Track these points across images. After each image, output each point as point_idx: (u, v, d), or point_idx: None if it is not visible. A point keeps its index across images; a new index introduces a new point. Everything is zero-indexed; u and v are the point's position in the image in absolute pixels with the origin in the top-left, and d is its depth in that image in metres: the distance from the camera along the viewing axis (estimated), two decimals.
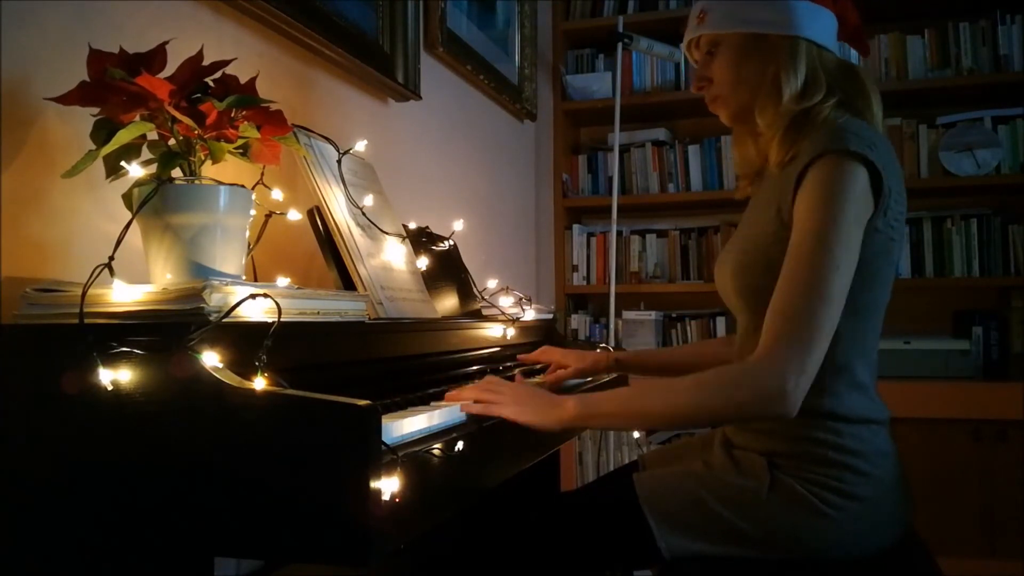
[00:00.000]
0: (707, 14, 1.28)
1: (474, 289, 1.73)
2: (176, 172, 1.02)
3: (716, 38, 1.28)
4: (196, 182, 1.02)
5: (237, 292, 0.89)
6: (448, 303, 1.62)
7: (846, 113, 1.21)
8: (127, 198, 1.02)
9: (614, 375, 1.76)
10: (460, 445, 0.92)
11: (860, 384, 1.19)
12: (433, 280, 1.56)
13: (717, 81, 1.29)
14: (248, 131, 1.05)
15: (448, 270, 1.67)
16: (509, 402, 1.12)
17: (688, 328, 3.23)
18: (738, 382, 1.07)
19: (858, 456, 1.15)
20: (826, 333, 1.05)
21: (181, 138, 1.01)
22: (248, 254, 1.15)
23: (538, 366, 1.61)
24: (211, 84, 1.07)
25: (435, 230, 1.69)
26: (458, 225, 1.72)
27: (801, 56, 1.22)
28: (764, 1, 1.24)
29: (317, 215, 1.31)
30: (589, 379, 1.65)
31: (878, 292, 1.19)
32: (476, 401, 1.11)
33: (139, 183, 0.99)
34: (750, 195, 1.36)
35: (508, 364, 1.56)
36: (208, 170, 1.05)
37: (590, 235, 3.36)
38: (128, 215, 0.99)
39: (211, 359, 0.81)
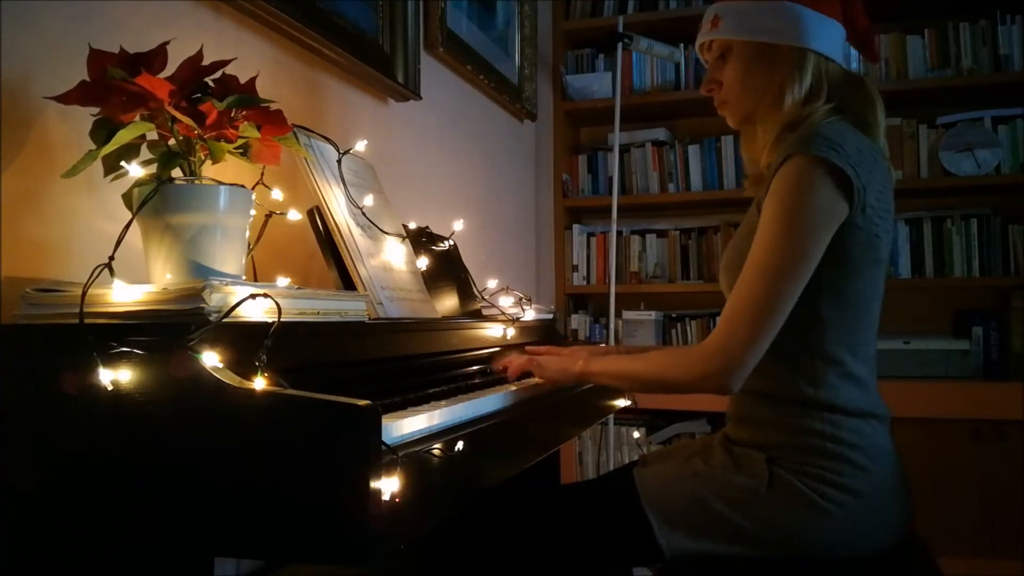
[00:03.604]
0: (721, 19, 1.29)
1: (474, 289, 1.73)
2: (176, 172, 1.02)
3: (728, 44, 1.30)
4: (196, 182, 1.02)
5: (237, 292, 0.89)
6: (448, 303, 1.62)
7: (836, 116, 1.22)
8: (127, 198, 1.02)
9: None
10: (460, 445, 0.92)
11: (855, 377, 1.19)
12: (433, 280, 1.56)
13: (726, 86, 1.31)
14: (248, 131, 1.05)
15: (448, 270, 1.67)
16: (538, 364, 1.35)
17: (688, 328, 3.23)
18: (686, 362, 1.18)
19: (855, 449, 1.16)
20: (766, 331, 1.12)
21: (181, 138, 1.01)
22: (248, 254, 1.15)
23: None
24: (211, 84, 1.07)
25: (435, 230, 1.69)
26: (458, 225, 1.72)
27: (808, 67, 1.24)
28: (776, 11, 1.25)
29: (317, 215, 1.31)
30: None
31: (865, 287, 1.19)
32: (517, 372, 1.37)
33: (139, 183, 0.99)
34: (754, 195, 1.37)
35: None
36: (208, 170, 1.05)
37: (590, 235, 3.36)
38: (128, 215, 0.99)
39: (211, 359, 0.81)
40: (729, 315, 1.14)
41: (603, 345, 1.75)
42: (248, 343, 0.84)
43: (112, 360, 0.82)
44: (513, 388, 1.28)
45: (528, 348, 1.51)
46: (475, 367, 1.44)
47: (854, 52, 2.92)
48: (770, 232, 1.13)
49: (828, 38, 1.26)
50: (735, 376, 1.13)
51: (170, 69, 1.02)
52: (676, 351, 1.33)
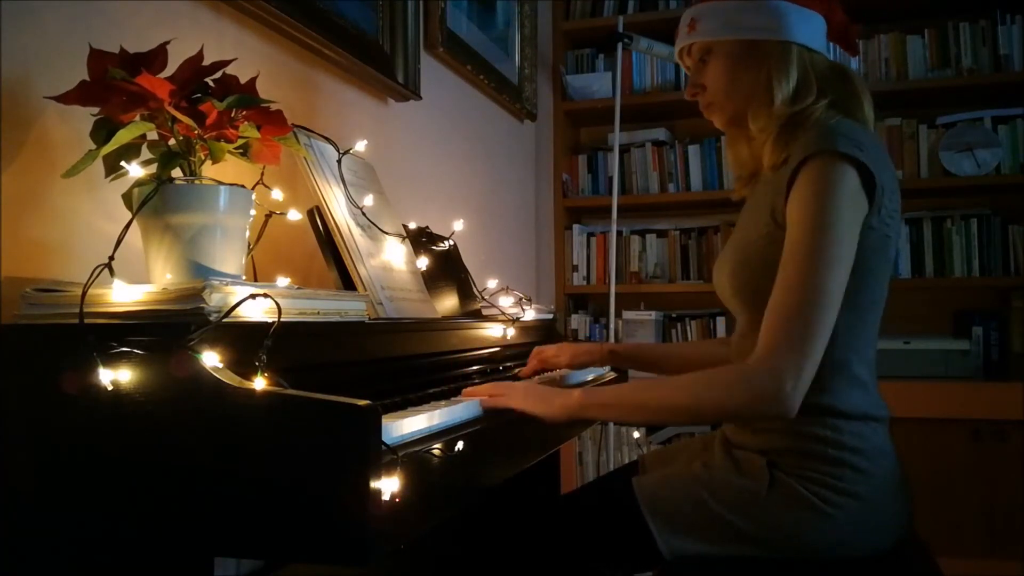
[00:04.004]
0: (698, 22, 1.28)
1: (474, 289, 1.73)
2: (176, 172, 1.02)
3: (708, 45, 1.28)
4: (196, 182, 1.02)
5: (237, 292, 0.89)
6: (448, 303, 1.62)
7: (837, 114, 1.21)
8: (127, 198, 1.02)
9: (616, 375, 1.78)
10: (460, 445, 0.92)
11: (859, 380, 1.19)
12: (433, 280, 1.56)
13: (711, 88, 1.29)
14: (248, 131, 1.05)
15: (448, 270, 1.67)
16: (518, 396, 1.18)
17: (688, 328, 3.23)
18: (736, 384, 1.09)
19: (857, 453, 1.15)
20: (823, 335, 1.07)
21: (181, 138, 1.01)
22: (248, 254, 1.15)
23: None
24: (211, 84, 1.07)
25: (435, 230, 1.69)
26: (458, 225, 1.72)
27: (793, 61, 1.23)
28: (755, 8, 1.24)
29: (317, 215, 1.31)
30: (591, 377, 1.66)
31: (875, 289, 1.19)
32: (490, 396, 1.17)
33: (139, 183, 0.99)
34: (746, 196, 1.36)
35: (508, 364, 1.56)
36: (208, 170, 1.05)
37: (590, 235, 3.36)
38: (128, 215, 0.99)
39: (211, 359, 0.81)
40: (777, 326, 1.07)
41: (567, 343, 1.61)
42: (248, 343, 0.84)
43: (112, 360, 0.82)
44: None
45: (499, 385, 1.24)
46: (475, 367, 1.44)
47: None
48: (807, 232, 1.09)
49: (810, 30, 1.25)
50: (796, 396, 1.04)
51: (170, 69, 1.02)
52: (715, 374, 1.13)
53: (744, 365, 1.09)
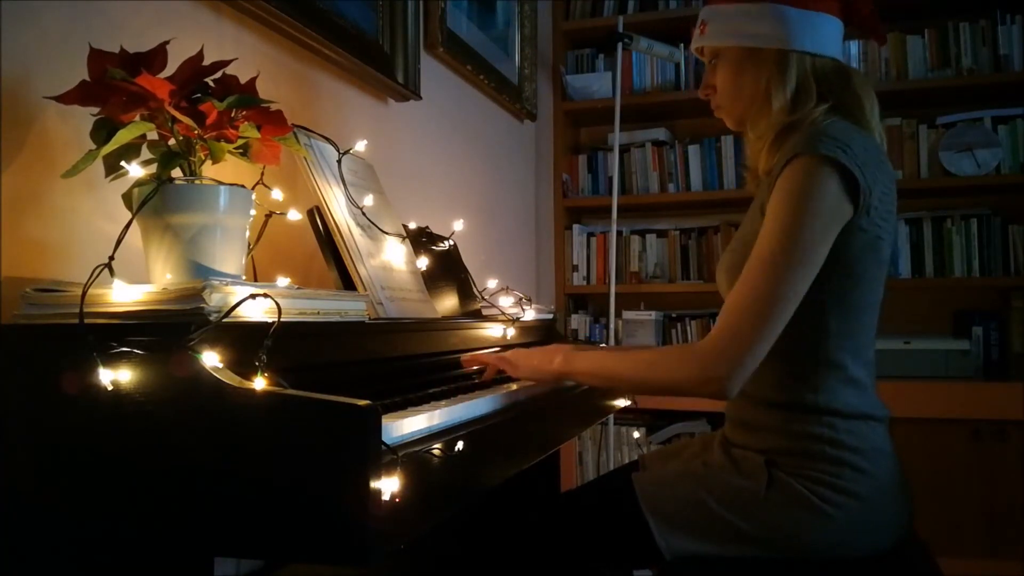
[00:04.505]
0: (707, 24, 1.30)
1: (474, 289, 1.73)
2: (176, 172, 1.02)
3: (716, 50, 1.31)
4: (196, 182, 1.02)
5: (237, 292, 0.89)
6: (448, 303, 1.62)
7: (835, 116, 1.21)
8: (127, 198, 1.02)
9: None
10: (460, 445, 0.92)
11: (855, 380, 1.19)
12: (433, 280, 1.56)
13: (719, 91, 1.32)
14: (248, 131, 1.05)
15: (448, 270, 1.67)
16: (509, 363, 1.32)
17: (688, 328, 3.23)
18: (684, 363, 1.14)
19: (856, 452, 1.15)
20: (770, 331, 1.09)
21: (181, 138, 1.01)
22: (248, 254, 1.15)
23: None
24: (211, 84, 1.07)
25: (435, 230, 1.69)
26: (458, 225, 1.72)
27: (791, 70, 1.23)
28: (758, 15, 1.25)
29: (317, 215, 1.31)
30: None
31: (868, 290, 1.19)
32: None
33: (139, 183, 0.99)
34: (753, 194, 1.36)
35: None
36: (208, 170, 1.05)
37: (590, 235, 3.36)
38: (128, 215, 0.99)
39: (211, 359, 0.81)
40: (729, 316, 1.11)
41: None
42: (248, 343, 0.84)
43: (112, 360, 0.82)
44: (514, 388, 1.28)
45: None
46: (475, 367, 1.44)
47: (854, 52, 2.96)
48: (775, 232, 1.11)
49: (817, 35, 1.24)
50: (734, 381, 1.09)
51: (170, 69, 1.03)
52: (669, 351, 1.25)
53: (695, 346, 1.14)
